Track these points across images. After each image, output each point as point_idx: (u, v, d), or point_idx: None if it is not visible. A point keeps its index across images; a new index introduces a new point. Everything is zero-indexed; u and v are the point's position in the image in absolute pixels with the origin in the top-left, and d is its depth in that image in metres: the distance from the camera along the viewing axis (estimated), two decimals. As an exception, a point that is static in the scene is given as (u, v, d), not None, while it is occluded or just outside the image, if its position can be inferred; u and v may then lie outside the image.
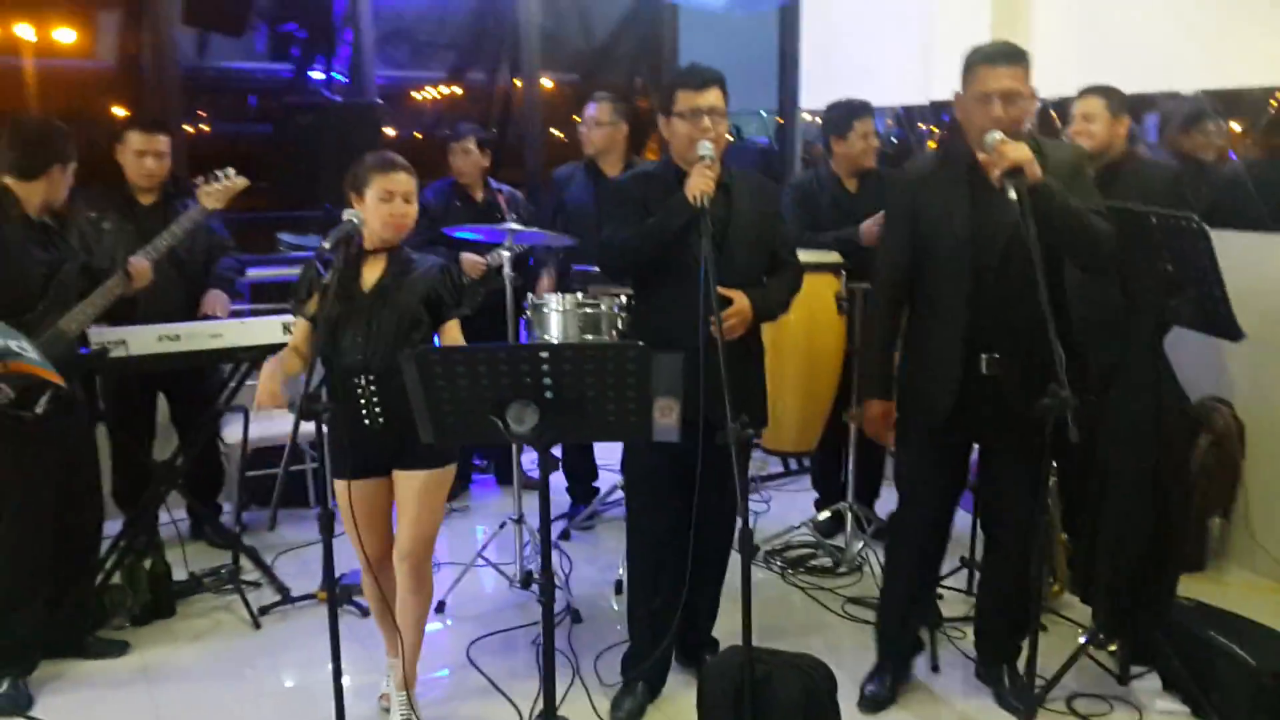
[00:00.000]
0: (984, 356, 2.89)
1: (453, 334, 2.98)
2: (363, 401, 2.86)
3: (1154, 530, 3.05)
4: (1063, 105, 4.44)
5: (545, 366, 2.32)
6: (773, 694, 2.58)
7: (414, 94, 7.75)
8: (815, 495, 4.65)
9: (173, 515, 4.06)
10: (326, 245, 2.67)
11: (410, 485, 2.90)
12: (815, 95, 6.30)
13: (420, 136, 7.34)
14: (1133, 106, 3.96)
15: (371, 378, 2.83)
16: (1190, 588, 3.62)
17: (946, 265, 2.91)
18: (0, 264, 3.10)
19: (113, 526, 3.86)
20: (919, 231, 2.97)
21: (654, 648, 3.11)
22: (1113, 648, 3.32)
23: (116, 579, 3.72)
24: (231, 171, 3.76)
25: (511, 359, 2.34)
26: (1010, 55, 2.80)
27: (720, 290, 2.91)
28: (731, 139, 6.93)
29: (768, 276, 3.14)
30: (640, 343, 2.38)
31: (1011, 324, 2.85)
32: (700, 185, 2.77)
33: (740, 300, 2.94)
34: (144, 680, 3.36)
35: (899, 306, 3.07)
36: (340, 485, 2.84)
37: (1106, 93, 3.82)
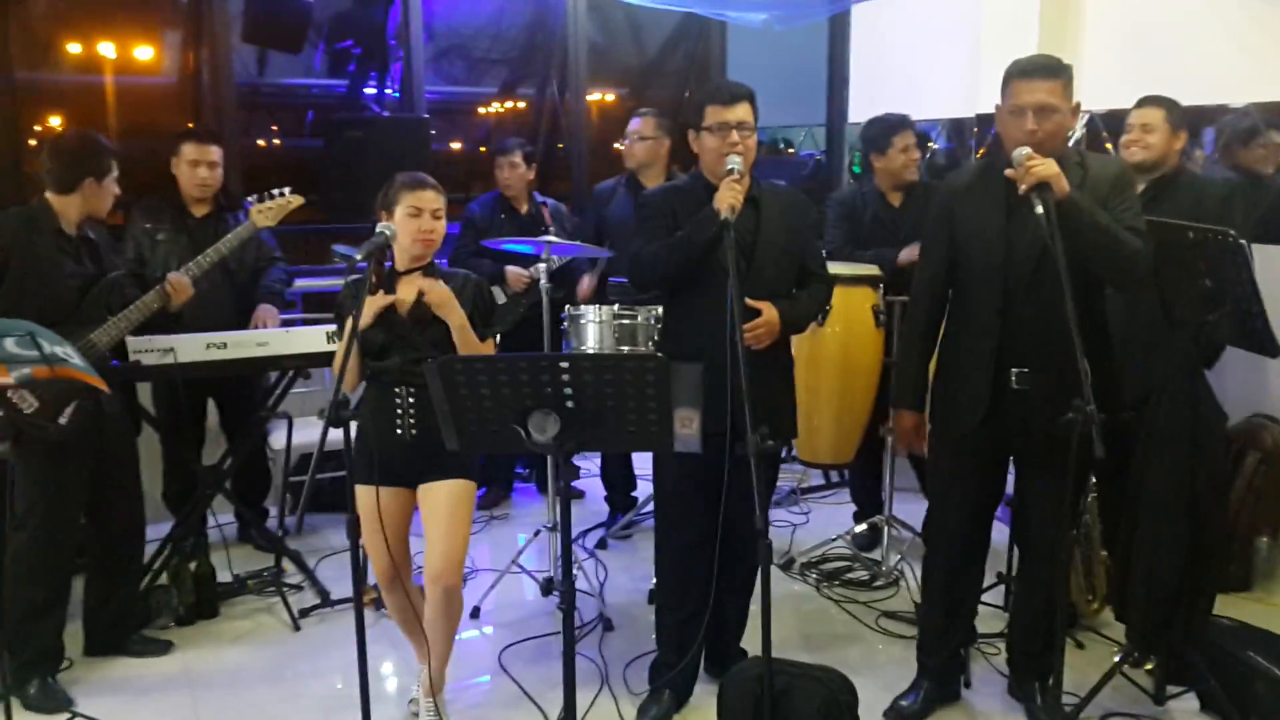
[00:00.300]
0: (1013, 371, 2.88)
1: (485, 353, 3.03)
2: (399, 413, 2.93)
3: (1190, 548, 2.99)
4: (1111, 118, 4.41)
5: (565, 376, 2.35)
6: (792, 706, 2.59)
7: (470, 109, 7.89)
8: (855, 509, 4.62)
9: (218, 520, 4.16)
10: (359, 256, 2.73)
11: (437, 495, 2.95)
12: (864, 108, 6.28)
13: (481, 150, 7.47)
14: (1188, 121, 3.90)
15: (412, 391, 2.90)
16: (1235, 608, 3.57)
17: (979, 278, 2.91)
18: (30, 277, 3.19)
19: (164, 529, 3.99)
20: (955, 243, 2.97)
21: (681, 657, 3.13)
22: (1149, 667, 3.26)
23: (163, 580, 3.83)
24: (288, 190, 3.86)
25: (532, 369, 2.37)
26: (1046, 69, 2.78)
27: (748, 302, 2.94)
28: (791, 151, 6.95)
29: (798, 290, 3.15)
30: (659, 354, 2.40)
31: (1042, 339, 2.84)
32: (728, 199, 2.79)
33: (768, 311, 2.96)
34: (185, 678, 3.45)
35: (937, 317, 3.06)
36: (363, 491, 2.89)
37: (1167, 105, 3.77)
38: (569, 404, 2.39)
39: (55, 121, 6.55)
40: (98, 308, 3.33)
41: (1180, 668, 3.16)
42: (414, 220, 2.91)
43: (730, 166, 2.88)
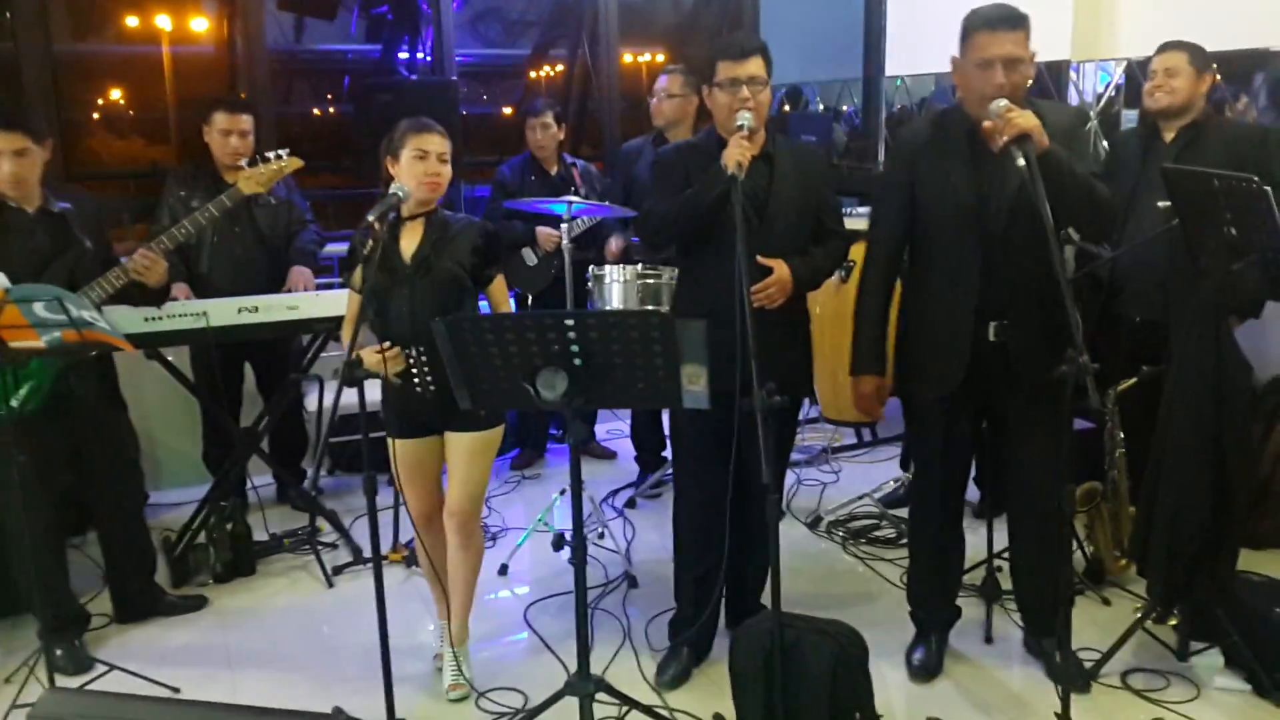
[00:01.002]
0: (992, 324, 2.86)
1: (498, 293, 3.08)
2: (414, 371, 2.98)
3: (1213, 502, 2.95)
4: (1145, 66, 4.29)
5: (572, 334, 2.38)
6: (802, 659, 2.60)
7: (506, 72, 7.90)
8: (885, 467, 4.61)
9: (258, 480, 4.26)
10: (372, 217, 2.76)
11: (460, 446, 3.03)
12: (901, 62, 6.19)
13: (506, 111, 7.49)
14: (1238, 66, 3.81)
15: (422, 349, 2.93)
16: (1269, 563, 3.52)
17: (952, 234, 2.87)
18: None
19: (205, 489, 4.10)
20: (919, 201, 2.93)
21: (699, 614, 3.16)
22: (1174, 623, 3.23)
23: (202, 539, 3.94)
24: (285, 153, 3.74)
25: (538, 327, 2.39)
26: (1011, 19, 2.73)
27: (761, 260, 2.93)
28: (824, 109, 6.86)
29: (814, 245, 3.14)
30: (662, 310, 2.41)
31: (1018, 290, 2.82)
32: (736, 155, 2.77)
33: (780, 269, 2.95)
34: (220, 633, 3.56)
35: (894, 277, 3.03)
36: (396, 444, 2.98)
37: (1190, 49, 3.70)
38: (576, 361, 2.41)
39: (114, 94, 6.70)
40: (58, 285, 3.08)
41: (1204, 623, 3.14)
42: (420, 163, 2.92)
43: (740, 123, 2.86)
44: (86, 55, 6.63)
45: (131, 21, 6.44)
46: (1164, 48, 3.74)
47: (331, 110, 7.19)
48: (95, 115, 6.78)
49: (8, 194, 3.18)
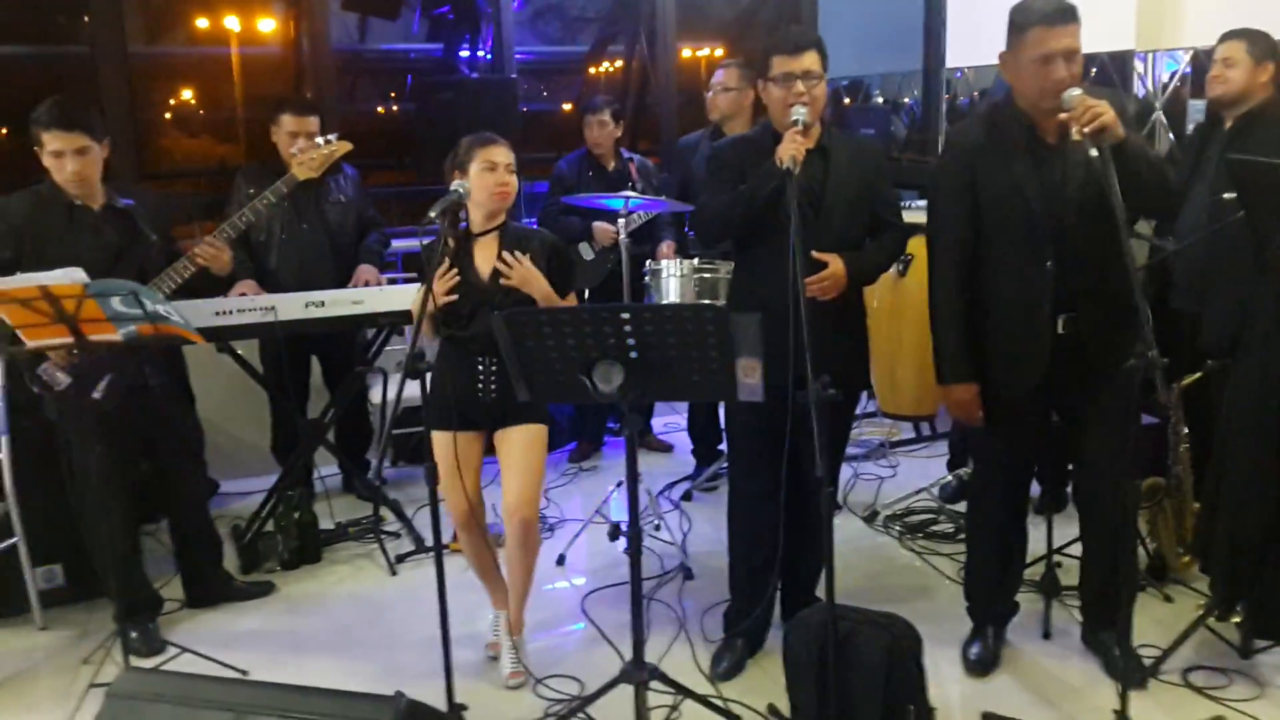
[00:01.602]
0: (1061, 317, 2.84)
1: None
2: (481, 377, 3.05)
3: (1278, 499, 2.91)
4: (1211, 54, 4.22)
5: (628, 328, 2.42)
6: (855, 651, 2.62)
7: (566, 68, 7.97)
8: (943, 461, 4.60)
9: (321, 472, 4.36)
10: (433, 214, 2.83)
11: (513, 439, 3.08)
12: (961, 54, 6.14)
13: (567, 108, 7.54)
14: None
15: (495, 360, 3.00)
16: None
17: (1021, 231, 2.84)
18: (44, 256, 3.15)
19: (274, 479, 4.21)
20: (982, 202, 2.90)
21: (753, 606, 3.18)
22: (1237, 620, 3.18)
23: (270, 527, 4.05)
24: (334, 137, 3.84)
25: (594, 320, 2.44)
26: (1067, 13, 2.71)
27: (815, 255, 2.94)
28: (882, 100, 6.82)
29: (871, 238, 3.14)
30: (718, 304, 2.44)
31: (1087, 283, 2.80)
32: (790, 150, 2.78)
33: (834, 264, 2.95)
34: (288, 618, 3.66)
35: (965, 281, 2.97)
36: (440, 437, 3.02)
37: (1250, 36, 3.65)
38: (632, 354, 2.45)
39: (185, 94, 6.88)
40: (129, 279, 3.13)
41: (1268, 620, 3.09)
42: (490, 175, 2.99)
43: (795, 118, 2.87)
44: (158, 57, 6.82)
45: (202, 23, 6.61)
46: (1225, 37, 3.70)
47: (395, 109, 7.33)
48: (167, 115, 6.98)
49: (73, 191, 3.30)
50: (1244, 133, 3.58)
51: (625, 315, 2.42)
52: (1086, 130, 2.55)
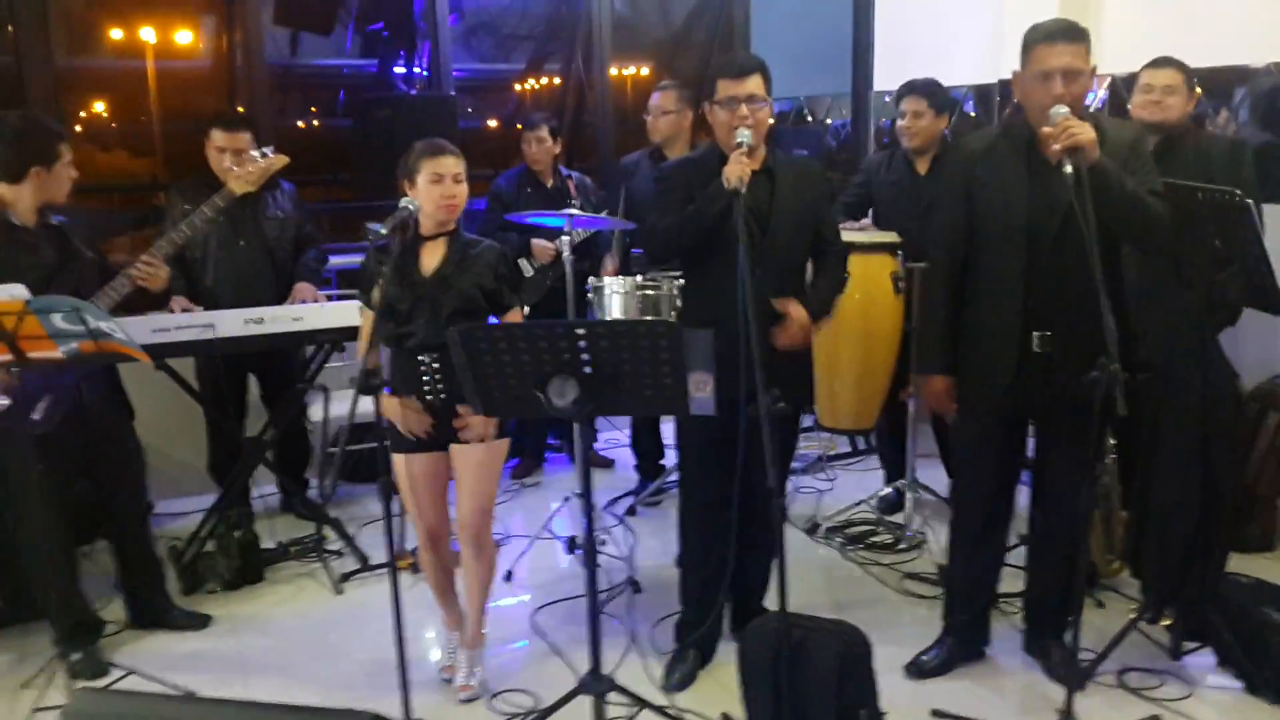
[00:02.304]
0: (1035, 334, 2.92)
1: (514, 320, 3.14)
2: (426, 379, 3.04)
3: (1203, 505, 3.05)
4: (1133, 81, 4.39)
5: (582, 343, 2.45)
6: (809, 657, 2.67)
7: (499, 86, 7.98)
8: (880, 475, 4.70)
9: (263, 490, 4.31)
10: (383, 231, 2.83)
11: (468, 458, 3.08)
12: (889, 76, 6.30)
13: (518, 127, 7.57)
14: (1219, 82, 3.91)
15: (435, 356, 3.00)
16: (1256, 567, 3.61)
17: (1003, 241, 2.94)
18: None
19: (209, 500, 4.15)
20: (975, 206, 3.00)
21: (704, 616, 3.22)
22: (1167, 623, 3.31)
23: (210, 547, 3.99)
24: (270, 150, 3.80)
25: (550, 336, 2.46)
26: (1070, 32, 2.81)
27: (777, 304, 3.03)
28: (822, 121, 6.96)
29: (813, 261, 3.23)
30: (670, 320, 2.49)
31: (1064, 302, 2.88)
32: (736, 171, 2.84)
33: (796, 310, 3.06)
34: (232, 638, 3.61)
35: (958, 280, 3.08)
36: (399, 459, 3.03)
37: (1182, 66, 3.77)
38: (587, 369, 2.48)
39: (98, 106, 6.73)
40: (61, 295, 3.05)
41: (1197, 623, 3.22)
42: (436, 186, 2.99)
43: (739, 140, 2.94)
44: (77, 69, 6.67)
45: (116, 34, 6.47)
46: (1161, 63, 3.78)
47: (316, 124, 7.25)
48: (78, 128, 6.81)
49: (15, 209, 3.23)
50: (1165, 157, 3.70)
51: (580, 330, 2.45)
52: (1057, 147, 2.64)
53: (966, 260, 3.06)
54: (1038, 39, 2.84)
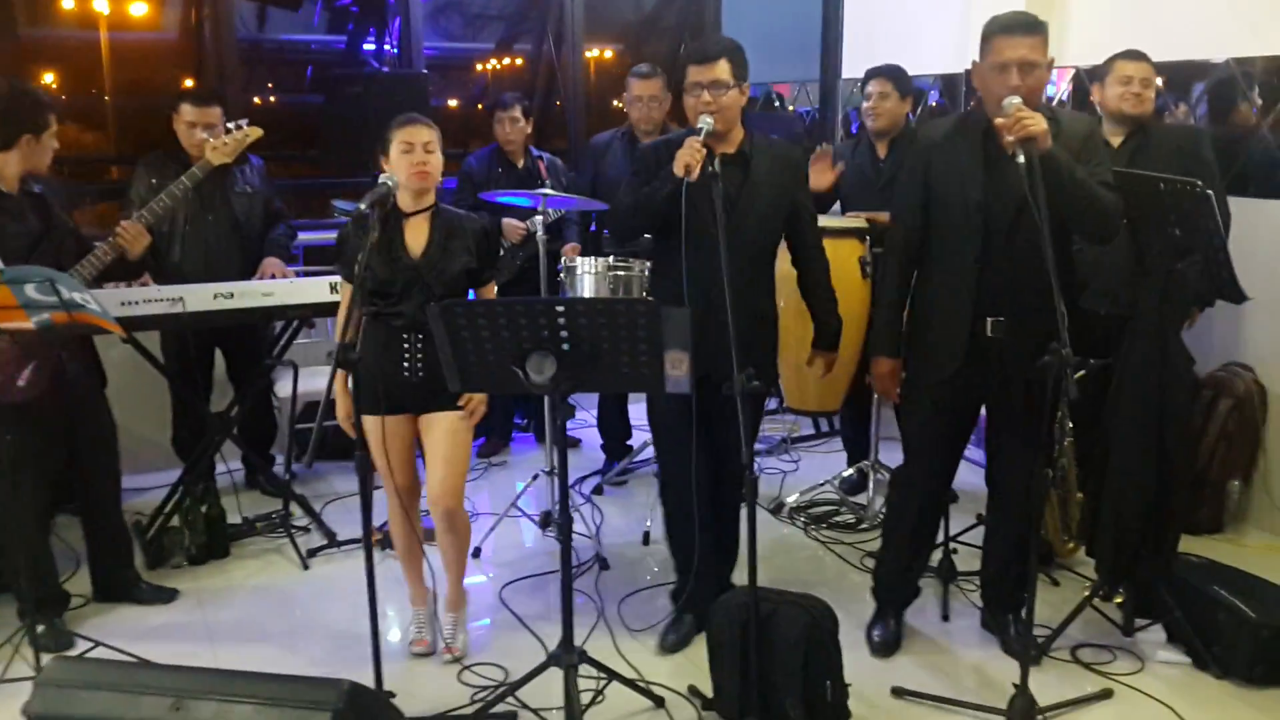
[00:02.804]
0: (989, 320, 2.99)
1: (488, 295, 3.19)
2: (407, 356, 3.07)
3: (1157, 486, 3.14)
4: (1097, 74, 4.46)
5: (561, 320, 2.49)
6: (776, 629, 2.74)
7: (467, 65, 7.95)
8: (842, 456, 4.78)
9: (229, 465, 4.30)
10: (363, 206, 2.84)
11: (440, 426, 3.11)
12: (857, 63, 6.36)
13: (478, 106, 7.55)
14: (1179, 75, 4.00)
15: (420, 337, 3.03)
16: (1207, 549, 3.73)
17: (957, 228, 3.00)
18: None
19: (173, 475, 4.14)
20: (932, 194, 3.06)
21: (701, 581, 3.28)
22: (1119, 600, 3.41)
23: (175, 522, 3.98)
24: (245, 123, 3.82)
25: (530, 312, 2.50)
26: (1027, 25, 2.86)
27: (817, 356, 3.33)
28: (790, 108, 7.02)
29: (793, 254, 3.31)
30: (650, 298, 2.53)
31: (1017, 289, 2.95)
32: (685, 158, 2.88)
33: (828, 359, 3.33)
34: (199, 613, 3.61)
35: (911, 266, 3.15)
36: (370, 421, 3.02)
37: (1147, 58, 3.85)
38: (565, 346, 2.52)
39: (48, 78, 6.62)
40: (48, 265, 3.11)
41: (1148, 601, 3.33)
42: (407, 156, 3.02)
43: (701, 125, 2.98)
44: (34, 39, 6.56)
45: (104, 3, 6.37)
46: (1137, 56, 3.85)
47: (274, 99, 7.18)
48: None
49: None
50: (1144, 149, 3.78)
51: (559, 308, 2.49)
52: (1010, 138, 2.70)
53: (921, 247, 3.12)
54: (995, 30, 2.89)
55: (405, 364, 3.06)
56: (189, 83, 6.05)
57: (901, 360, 3.20)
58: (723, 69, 3.03)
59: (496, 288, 3.31)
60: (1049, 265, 2.58)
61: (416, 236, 3.08)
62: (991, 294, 2.99)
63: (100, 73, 6.71)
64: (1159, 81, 3.95)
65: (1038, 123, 2.70)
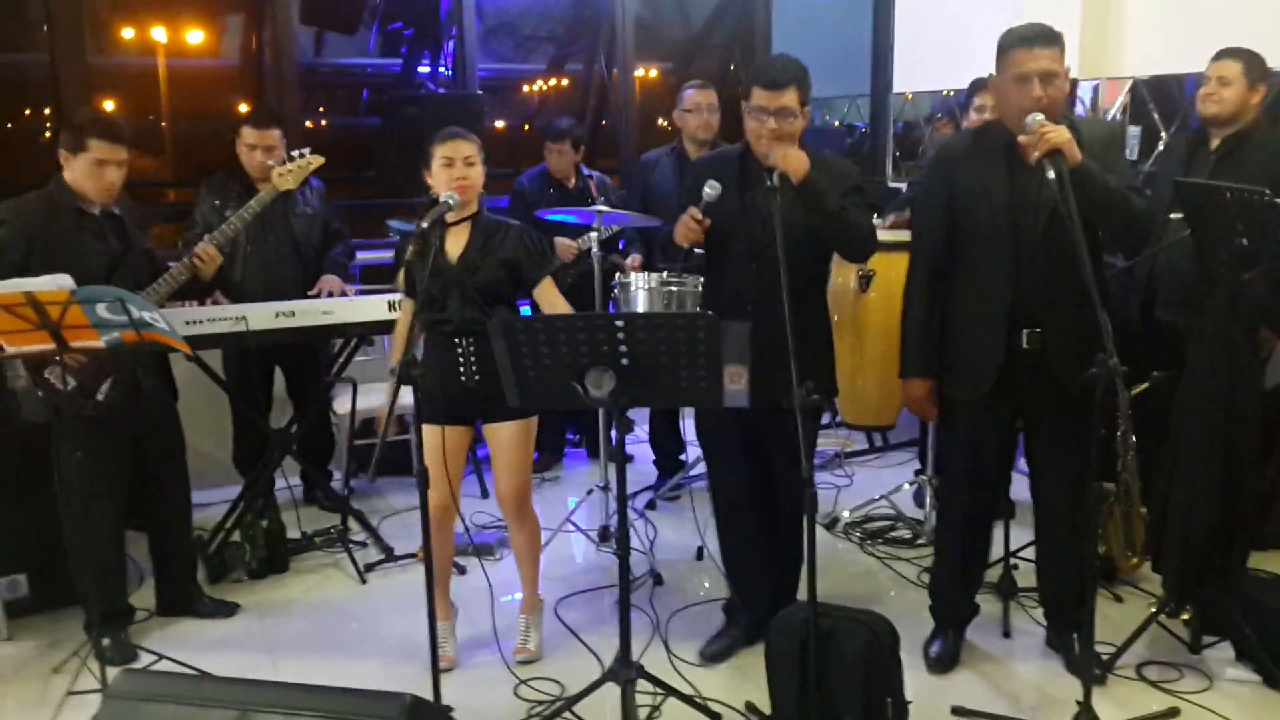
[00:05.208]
0: (1025, 331, 2.96)
1: (549, 293, 3.26)
2: (461, 360, 3.15)
3: (1224, 500, 3.08)
4: (1156, 84, 4.40)
5: (621, 335, 2.50)
6: (836, 646, 2.71)
7: (518, 86, 8.04)
8: (896, 471, 4.75)
9: (288, 481, 4.36)
10: (424, 224, 2.89)
11: (503, 434, 3.24)
12: (908, 79, 6.35)
13: (524, 127, 7.63)
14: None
15: (471, 340, 3.12)
16: (1272, 564, 3.63)
17: (987, 242, 2.98)
18: (55, 259, 3.15)
19: (234, 491, 4.20)
20: (957, 208, 3.04)
21: (745, 600, 3.31)
22: (1186, 617, 3.35)
23: (236, 537, 4.04)
24: (308, 151, 3.93)
25: (589, 328, 2.52)
26: (1047, 37, 2.85)
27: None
28: (837, 124, 7.02)
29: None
30: (710, 313, 2.53)
31: (1051, 298, 2.93)
32: (683, 236, 3.01)
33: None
34: (259, 626, 3.66)
35: (938, 283, 3.11)
36: (429, 430, 3.11)
37: (1246, 57, 3.72)
38: (624, 361, 2.53)
39: (109, 105, 6.77)
40: (126, 284, 3.21)
41: (1216, 618, 3.26)
42: (447, 170, 3.12)
43: (705, 191, 3.02)
44: (97, 68, 6.73)
45: (158, 34, 6.53)
46: (1219, 55, 3.76)
47: (328, 122, 7.29)
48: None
49: (99, 200, 3.35)
50: (1232, 155, 3.69)
51: (619, 323, 2.51)
52: (1037, 154, 2.69)
53: (949, 263, 3.09)
54: (1014, 43, 2.87)
55: (461, 369, 3.14)
56: (244, 107, 6.18)
57: (935, 379, 3.16)
58: (791, 97, 2.99)
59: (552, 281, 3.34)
60: (1086, 276, 2.56)
61: (456, 243, 3.18)
62: (1025, 305, 2.96)
63: (158, 99, 6.88)
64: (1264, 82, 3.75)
65: (1060, 133, 2.70)
